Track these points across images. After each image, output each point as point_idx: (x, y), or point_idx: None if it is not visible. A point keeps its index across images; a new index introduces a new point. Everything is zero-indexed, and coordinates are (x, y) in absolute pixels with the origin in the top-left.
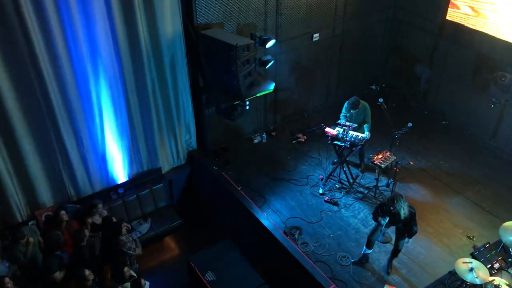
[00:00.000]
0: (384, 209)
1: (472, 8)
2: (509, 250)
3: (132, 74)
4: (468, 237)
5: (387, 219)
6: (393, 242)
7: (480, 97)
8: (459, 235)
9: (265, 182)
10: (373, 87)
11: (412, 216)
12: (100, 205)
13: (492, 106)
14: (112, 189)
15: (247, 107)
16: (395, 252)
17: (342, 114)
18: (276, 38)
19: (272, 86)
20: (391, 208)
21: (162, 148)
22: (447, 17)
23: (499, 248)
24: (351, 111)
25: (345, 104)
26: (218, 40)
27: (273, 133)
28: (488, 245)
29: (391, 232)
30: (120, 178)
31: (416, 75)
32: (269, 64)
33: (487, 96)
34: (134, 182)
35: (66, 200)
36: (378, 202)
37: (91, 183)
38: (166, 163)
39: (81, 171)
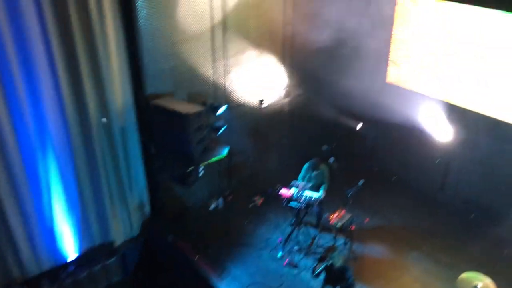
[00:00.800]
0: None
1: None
2: None
3: (82, 146)
4: None
5: (323, 265)
6: None
7: (426, 152)
8: None
9: (224, 249)
10: (325, 147)
11: (346, 269)
12: None
13: (437, 161)
14: (62, 267)
15: (202, 173)
16: None
17: (300, 175)
18: (227, 104)
19: (225, 151)
20: (327, 258)
21: (114, 220)
22: (388, 80)
23: None
24: (312, 173)
25: (305, 166)
26: (169, 109)
27: (229, 198)
28: None
29: None
30: (70, 254)
31: (364, 134)
32: (222, 130)
33: (433, 151)
34: (85, 257)
35: (9, 283)
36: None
37: (38, 262)
38: (119, 235)
39: (27, 249)
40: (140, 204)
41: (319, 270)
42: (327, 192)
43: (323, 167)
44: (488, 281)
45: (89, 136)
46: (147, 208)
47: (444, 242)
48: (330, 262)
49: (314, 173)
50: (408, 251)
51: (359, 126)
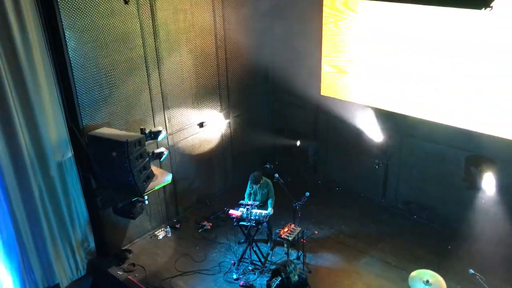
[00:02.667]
0: (275, 273)
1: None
2: None
3: (16, 185)
4: None
5: (279, 279)
6: None
7: (365, 160)
8: None
9: (177, 278)
10: (267, 165)
11: (303, 282)
12: None
13: (376, 167)
14: None
15: (146, 202)
16: None
17: (246, 192)
18: (167, 131)
19: (169, 178)
20: (283, 273)
21: (58, 261)
22: (322, 93)
23: None
24: (254, 186)
25: (249, 181)
26: (107, 139)
27: (178, 225)
28: None
29: None
30: None
31: (304, 149)
32: (164, 157)
33: (371, 159)
34: None
35: None
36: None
37: None
38: (64, 277)
39: None
40: (84, 241)
41: (274, 284)
42: (275, 207)
43: (266, 180)
44: (437, 276)
45: (24, 175)
46: (92, 245)
47: (391, 245)
48: (286, 275)
49: (257, 186)
50: (359, 258)
51: (298, 142)
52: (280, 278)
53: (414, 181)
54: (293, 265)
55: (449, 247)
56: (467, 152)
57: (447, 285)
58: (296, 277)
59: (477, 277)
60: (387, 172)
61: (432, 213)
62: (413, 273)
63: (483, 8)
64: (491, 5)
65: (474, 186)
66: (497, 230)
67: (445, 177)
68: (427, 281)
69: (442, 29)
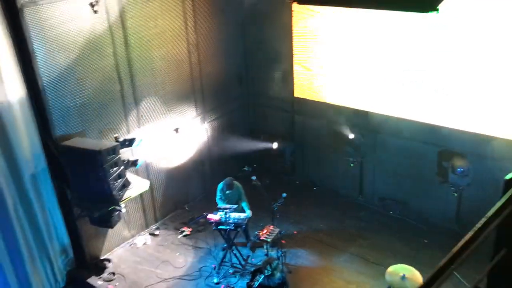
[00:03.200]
0: (255, 274)
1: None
2: None
3: None
4: None
5: (262, 276)
6: None
7: (340, 159)
8: None
9: (158, 285)
10: (246, 168)
11: (284, 281)
12: None
13: (352, 165)
14: None
15: (123, 211)
16: None
17: (217, 197)
18: (142, 137)
19: (146, 185)
20: (267, 269)
21: (35, 275)
22: (295, 94)
23: None
24: (226, 192)
25: (219, 187)
26: (81, 148)
27: (157, 233)
28: None
29: None
30: None
31: (280, 151)
32: (139, 164)
33: (345, 157)
34: None
35: None
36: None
37: None
38: None
39: None
40: (62, 253)
41: (257, 283)
42: (253, 209)
43: (237, 185)
44: (413, 270)
45: None
46: (70, 256)
47: (369, 241)
48: (271, 272)
49: (229, 192)
50: (338, 255)
51: (275, 144)
52: (263, 276)
53: (389, 177)
54: (276, 262)
55: (425, 240)
56: (438, 147)
57: (423, 278)
58: (279, 274)
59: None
60: (362, 170)
61: (407, 208)
62: (390, 269)
63: (430, 12)
64: (438, 8)
65: (446, 180)
66: (471, 222)
67: (418, 172)
68: (404, 276)
69: (405, 26)
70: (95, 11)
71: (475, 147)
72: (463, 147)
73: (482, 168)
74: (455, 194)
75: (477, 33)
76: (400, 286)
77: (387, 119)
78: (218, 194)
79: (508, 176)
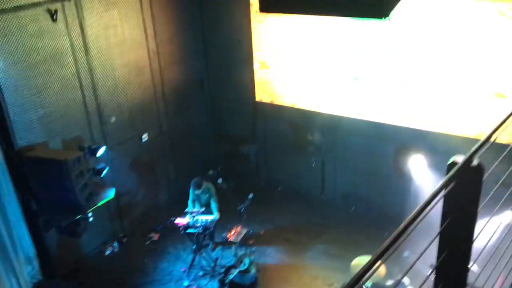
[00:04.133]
0: (232, 268)
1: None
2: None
3: None
4: (328, 285)
5: (236, 272)
6: None
7: (302, 159)
8: (321, 286)
9: None
10: (210, 172)
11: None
12: None
13: (313, 164)
14: None
15: (91, 219)
16: None
17: (190, 199)
18: (105, 145)
19: (112, 193)
20: (242, 265)
21: None
22: (257, 97)
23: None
24: (195, 191)
25: (191, 188)
26: (45, 159)
27: (124, 240)
28: (345, 285)
29: None
30: None
31: (245, 153)
32: (104, 172)
33: (307, 157)
34: None
35: None
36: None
37: None
38: None
39: None
40: (28, 266)
41: (232, 276)
42: (220, 211)
43: (207, 185)
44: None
45: None
46: (37, 269)
47: (334, 237)
48: (246, 267)
49: (199, 191)
50: (304, 252)
51: (241, 148)
52: (237, 271)
53: (350, 175)
54: (252, 257)
55: (386, 233)
56: (395, 144)
57: (386, 268)
58: (254, 271)
59: (411, 258)
60: (324, 169)
61: (368, 203)
62: (354, 261)
63: (382, 19)
64: (389, 16)
65: (403, 175)
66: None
67: (378, 169)
68: None
69: (360, 28)
70: (54, 20)
71: (429, 144)
72: (417, 144)
73: (435, 163)
74: (412, 188)
75: (429, 34)
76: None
77: (346, 119)
78: (190, 194)
79: (449, 161)
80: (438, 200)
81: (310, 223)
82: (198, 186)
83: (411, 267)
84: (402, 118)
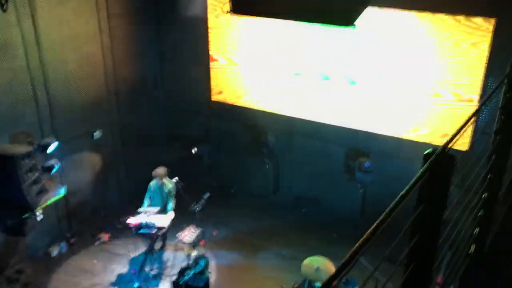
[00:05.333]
0: (187, 269)
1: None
2: (312, 284)
3: None
4: (280, 286)
5: (191, 273)
6: None
7: (256, 161)
8: (273, 286)
9: None
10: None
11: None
12: None
13: (267, 166)
14: None
15: (39, 218)
16: None
17: (146, 197)
18: (57, 141)
19: (63, 190)
20: (198, 266)
21: None
22: (212, 98)
23: (305, 285)
24: (155, 185)
25: (149, 186)
26: None
27: (72, 240)
28: (296, 285)
29: None
30: None
31: (198, 154)
32: (55, 169)
33: (261, 159)
34: None
35: None
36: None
37: None
38: None
39: None
40: None
41: (188, 277)
42: (175, 211)
43: (169, 180)
44: (326, 261)
45: None
46: None
47: (285, 238)
48: (201, 269)
49: (160, 181)
50: (256, 253)
51: (194, 149)
52: (192, 272)
53: (303, 177)
54: (207, 259)
55: (335, 235)
56: (345, 147)
57: (336, 268)
58: (207, 273)
59: (361, 259)
60: (277, 170)
61: (319, 205)
62: (304, 262)
63: (348, 27)
64: (354, 24)
65: (353, 178)
66: (374, 216)
67: (329, 171)
68: (318, 268)
69: (322, 32)
70: (4, 10)
71: (379, 147)
72: (367, 146)
73: (385, 166)
74: (361, 191)
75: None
76: (314, 277)
77: (300, 121)
78: (148, 191)
79: (426, 152)
80: (415, 188)
81: (262, 224)
82: (160, 175)
83: (384, 257)
84: (354, 121)
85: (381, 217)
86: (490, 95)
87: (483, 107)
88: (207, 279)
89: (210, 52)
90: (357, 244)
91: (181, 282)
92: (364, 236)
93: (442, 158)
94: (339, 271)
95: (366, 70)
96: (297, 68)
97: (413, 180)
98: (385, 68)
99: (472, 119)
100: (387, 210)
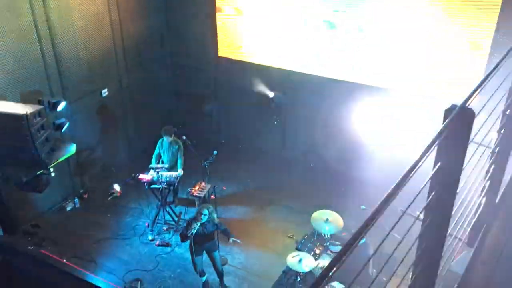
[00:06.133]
0: (193, 221)
1: (233, 8)
2: (322, 234)
3: None
4: (289, 236)
5: (198, 224)
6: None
7: (265, 116)
8: (281, 238)
9: (91, 247)
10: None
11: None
12: None
13: (275, 122)
14: None
15: (53, 174)
16: (219, 274)
17: (155, 154)
18: (66, 100)
19: (73, 148)
20: (203, 216)
21: None
22: (219, 54)
23: (315, 236)
24: (164, 143)
25: (158, 143)
26: (3, 113)
27: (85, 196)
28: (306, 236)
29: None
30: None
31: (206, 111)
32: (65, 127)
33: (270, 115)
34: None
35: None
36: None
37: None
38: None
39: None
40: None
41: (194, 230)
42: (184, 168)
43: (176, 139)
44: (335, 214)
45: None
46: None
47: (294, 192)
48: (207, 218)
49: (170, 138)
50: (265, 207)
51: (205, 107)
52: (199, 223)
53: (309, 132)
54: (211, 207)
55: (343, 189)
56: (355, 103)
57: (343, 221)
58: (216, 216)
59: (368, 211)
60: (284, 126)
61: (326, 160)
62: (314, 214)
63: None
64: None
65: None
66: (382, 169)
67: (337, 128)
68: (327, 219)
69: None
70: None
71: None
72: (377, 101)
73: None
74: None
75: None
76: (323, 228)
77: (309, 76)
78: (157, 148)
79: (447, 107)
80: (435, 146)
81: (270, 179)
82: (169, 133)
83: (400, 218)
84: (366, 77)
85: (400, 178)
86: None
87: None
88: (218, 225)
89: (217, 3)
90: (379, 203)
91: (189, 235)
92: (384, 196)
93: (462, 114)
94: (360, 229)
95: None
96: (304, 16)
97: (434, 137)
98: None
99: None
100: (407, 169)
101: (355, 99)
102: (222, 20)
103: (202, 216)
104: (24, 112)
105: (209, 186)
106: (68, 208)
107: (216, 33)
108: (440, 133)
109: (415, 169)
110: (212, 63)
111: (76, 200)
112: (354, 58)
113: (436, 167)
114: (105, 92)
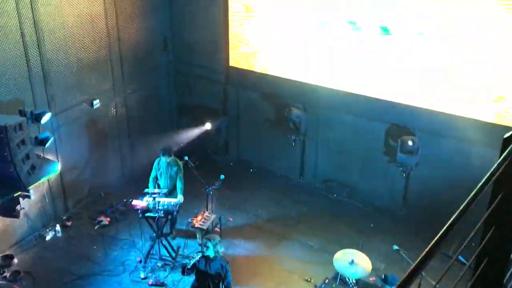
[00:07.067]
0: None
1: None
2: (346, 279)
3: None
4: (306, 280)
5: (199, 255)
6: None
7: (280, 137)
8: (297, 280)
9: (73, 284)
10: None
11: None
12: None
13: (293, 144)
14: None
15: (32, 197)
16: None
17: (151, 176)
18: (51, 111)
19: (57, 166)
20: (204, 248)
21: None
22: (230, 63)
23: (337, 280)
24: (162, 164)
25: (155, 163)
26: None
27: (68, 223)
28: (327, 280)
29: None
30: None
31: (213, 128)
32: (49, 142)
33: (287, 135)
34: None
35: None
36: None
37: None
38: None
39: None
40: None
41: (192, 261)
42: (184, 194)
43: (174, 159)
44: (361, 254)
45: None
46: None
47: (312, 226)
48: (210, 250)
49: (168, 159)
50: (279, 243)
51: (209, 125)
52: (200, 255)
53: (333, 157)
54: (218, 239)
55: (372, 225)
56: (386, 124)
57: (372, 263)
58: (223, 248)
59: (401, 252)
60: (304, 149)
61: (353, 190)
62: (337, 254)
63: None
64: None
65: (394, 160)
66: (418, 205)
67: (365, 152)
68: (352, 261)
69: None
70: None
71: (424, 123)
72: (412, 123)
73: (432, 146)
74: (403, 175)
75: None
76: (347, 272)
77: (332, 92)
78: (153, 170)
79: (506, 135)
80: (495, 177)
81: (285, 210)
82: (168, 152)
83: (454, 258)
84: (396, 94)
85: (457, 213)
86: None
87: None
88: (221, 267)
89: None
90: (431, 243)
91: (189, 266)
92: (439, 234)
93: None
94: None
95: (408, 39)
96: (322, 17)
97: (494, 167)
98: (430, 35)
99: None
100: (464, 204)
101: (390, 121)
102: (234, 24)
103: (205, 248)
104: (3, 124)
105: (213, 216)
106: (48, 237)
107: (228, 39)
108: (501, 164)
109: (470, 206)
110: (222, 73)
111: (58, 228)
112: (394, 77)
113: (497, 199)
114: (96, 103)
